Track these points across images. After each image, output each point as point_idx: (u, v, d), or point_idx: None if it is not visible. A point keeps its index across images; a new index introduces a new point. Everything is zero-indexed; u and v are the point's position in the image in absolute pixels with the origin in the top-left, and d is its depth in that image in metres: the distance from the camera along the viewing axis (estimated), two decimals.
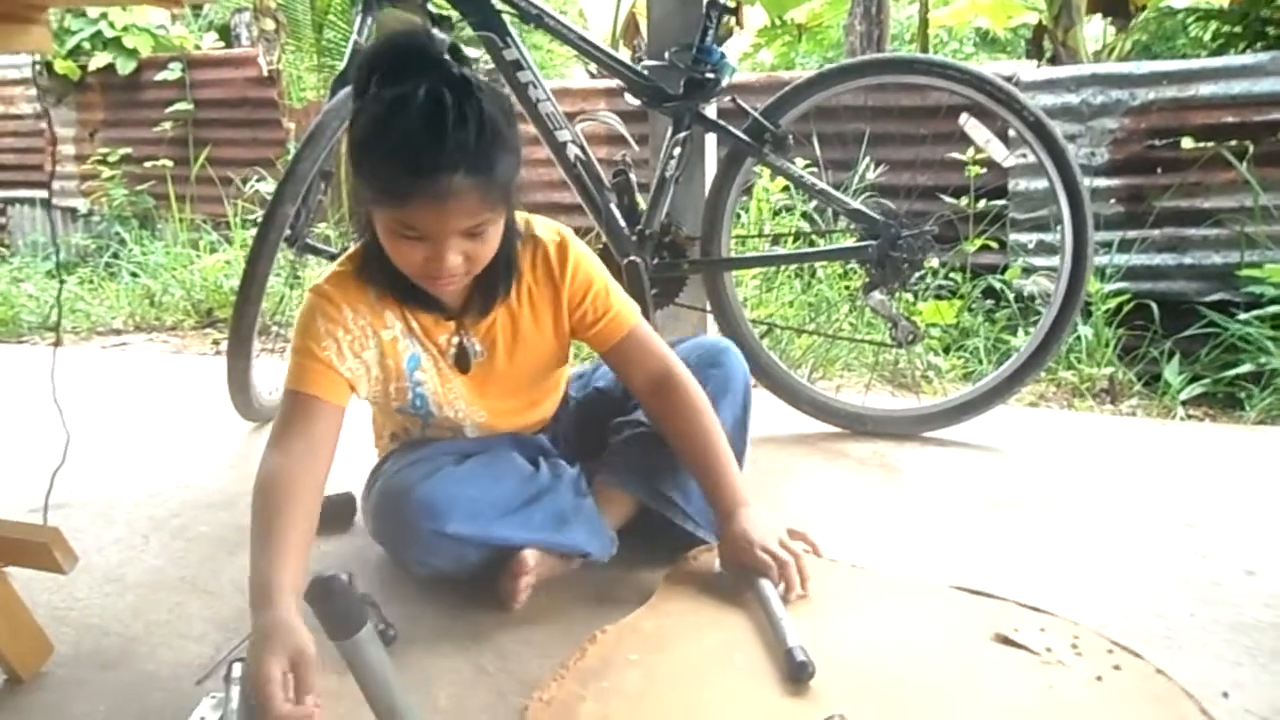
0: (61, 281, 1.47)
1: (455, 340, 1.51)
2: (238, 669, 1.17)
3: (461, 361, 1.52)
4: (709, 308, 2.42)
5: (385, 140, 1.22)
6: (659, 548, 1.61)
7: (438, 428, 1.60)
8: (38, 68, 5.75)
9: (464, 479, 1.46)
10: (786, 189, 3.82)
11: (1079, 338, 3.16)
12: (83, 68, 5.71)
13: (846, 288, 3.59)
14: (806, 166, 3.13)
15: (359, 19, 2.32)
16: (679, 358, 1.58)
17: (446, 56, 1.26)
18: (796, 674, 1.20)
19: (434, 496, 1.42)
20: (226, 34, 7.71)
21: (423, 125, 1.20)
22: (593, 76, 6.46)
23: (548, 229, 1.54)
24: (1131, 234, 3.54)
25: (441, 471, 1.46)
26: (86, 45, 5.64)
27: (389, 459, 1.61)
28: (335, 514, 1.83)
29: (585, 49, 2.27)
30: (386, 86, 1.24)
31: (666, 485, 1.60)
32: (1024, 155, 3.51)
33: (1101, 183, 3.61)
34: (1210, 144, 3.45)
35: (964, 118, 2.36)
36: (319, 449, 1.35)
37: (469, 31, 2.28)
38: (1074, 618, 1.37)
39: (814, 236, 3.52)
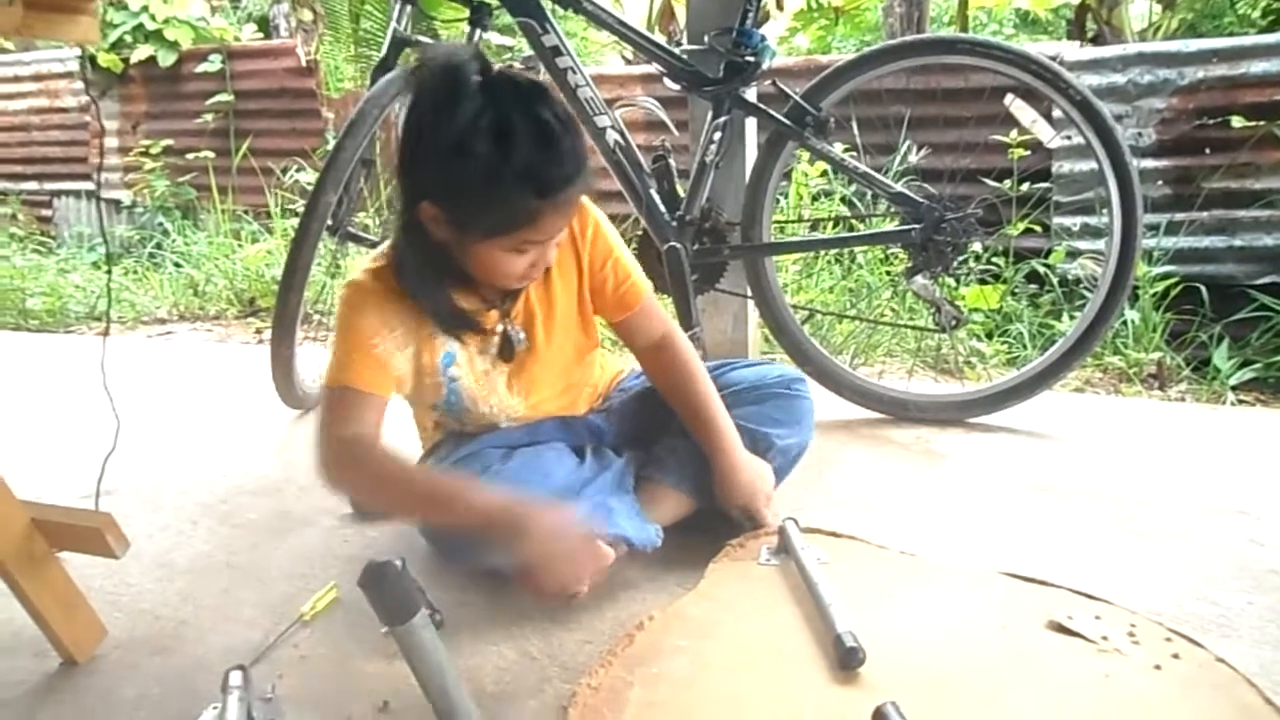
0: (109, 272, 1.49)
1: (499, 329, 1.53)
2: (235, 677, 1.18)
3: (505, 351, 1.54)
4: (750, 293, 2.40)
5: (508, 172, 1.25)
6: (704, 534, 1.60)
7: (474, 423, 1.60)
8: (82, 61, 5.83)
9: (510, 476, 1.46)
10: (825, 173, 3.79)
11: (1126, 322, 3.11)
12: (125, 61, 5.77)
13: (888, 273, 3.55)
14: (846, 150, 3.10)
15: (397, 8, 2.32)
16: (753, 379, 1.71)
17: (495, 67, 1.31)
18: (846, 660, 1.19)
19: None
20: (265, 25, 7.77)
21: (540, 149, 1.26)
22: (629, 62, 6.45)
23: None
24: (1180, 216, 3.46)
25: (488, 469, 1.47)
26: (128, 38, 5.70)
27: (436, 450, 1.62)
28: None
29: (624, 33, 2.26)
30: (465, 114, 1.24)
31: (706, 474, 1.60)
32: (1069, 137, 3.46)
33: (1149, 164, 3.54)
34: (1261, 123, 3.36)
35: (1009, 98, 2.31)
36: (375, 431, 1.41)
37: (508, 18, 2.27)
38: (1128, 606, 1.35)
39: (854, 221, 3.48)
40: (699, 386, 1.61)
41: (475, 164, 1.25)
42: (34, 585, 1.29)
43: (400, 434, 1.59)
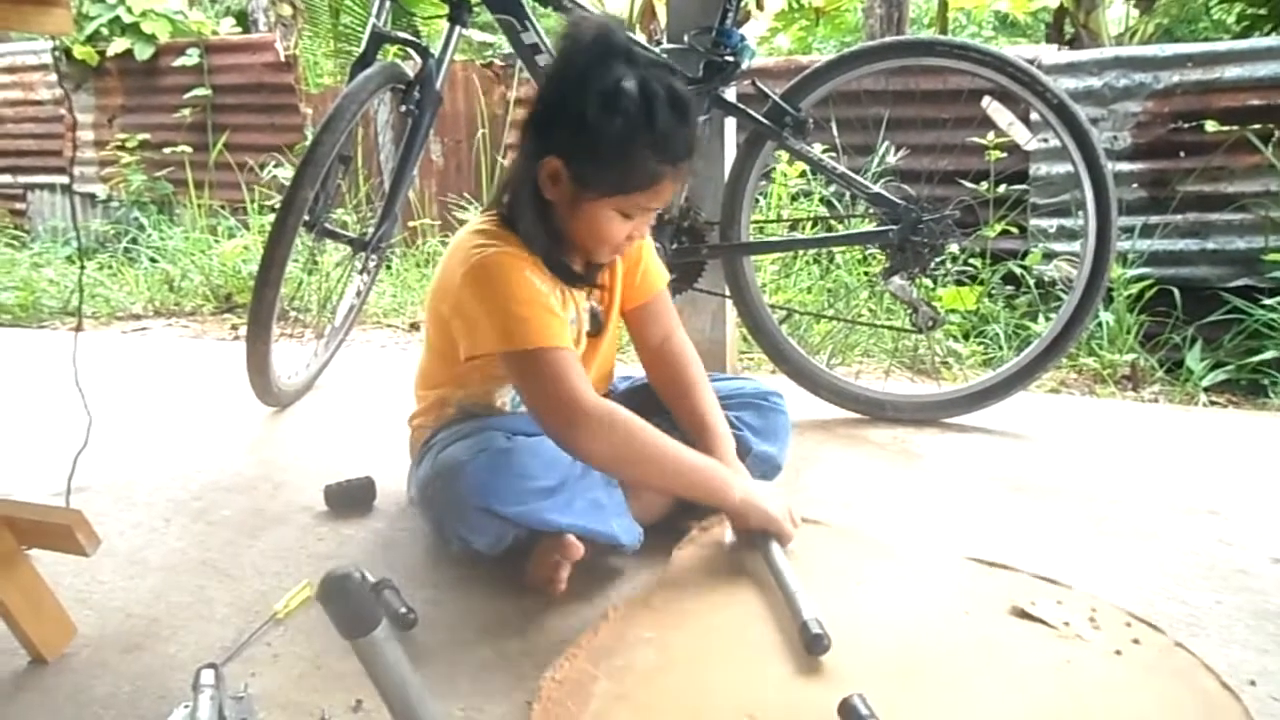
0: (82, 267, 1.48)
1: (587, 306, 1.62)
2: (206, 675, 1.17)
3: (595, 326, 1.63)
4: (728, 293, 2.41)
5: (646, 134, 1.35)
6: (683, 531, 1.61)
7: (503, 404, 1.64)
8: (57, 54, 5.76)
9: (512, 460, 1.46)
10: (804, 174, 3.80)
11: (1100, 324, 3.13)
12: (101, 53, 5.72)
13: (865, 273, 3.57)
14: (825, 151, 3.10)
15: (376, 4, 2.32)
16: (729, 389, 1.74)
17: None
18: (812, 647, 1.20)
19: (483, 474, 1.43)
20: (244, 19, 7.71)
21: (675, 119, 1.36)
22: None
23: None
24: (1154, 219, 3.50)
25: (491, 450, 1.47)
26: (105, 31, 5.64)
27: (440, 433, 1.61)
28: (355, 498, 1.84)
29: None
30: (614, 75, 1.34)
31: None
32: (1045, 139, 3.48)
33: (1124, 167, 3.57)
34: (1235, 127, 3.40)
35: (986, 101, 2.33)
36: (610, 405, 1.43)
37: (488, 16, 2.27)
38: (1088, 590, 1.36)
39: (833, 222, 3.49)
40: (704, 394, 1.63)
41: (619, 121, 1.34)
42: (2, 583, 1.28)
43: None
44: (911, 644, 1.24)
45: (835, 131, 3.49)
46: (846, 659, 1.19)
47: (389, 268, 4.43)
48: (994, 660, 1.20)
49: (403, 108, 2.30)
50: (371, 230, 2.44)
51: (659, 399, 1.71)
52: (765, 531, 1.45)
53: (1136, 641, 1.22)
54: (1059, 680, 1.15)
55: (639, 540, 1.53)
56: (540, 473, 1.46)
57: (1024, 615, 1.29)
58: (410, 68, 2.34)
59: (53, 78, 5.98)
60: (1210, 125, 3.45)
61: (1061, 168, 3.59)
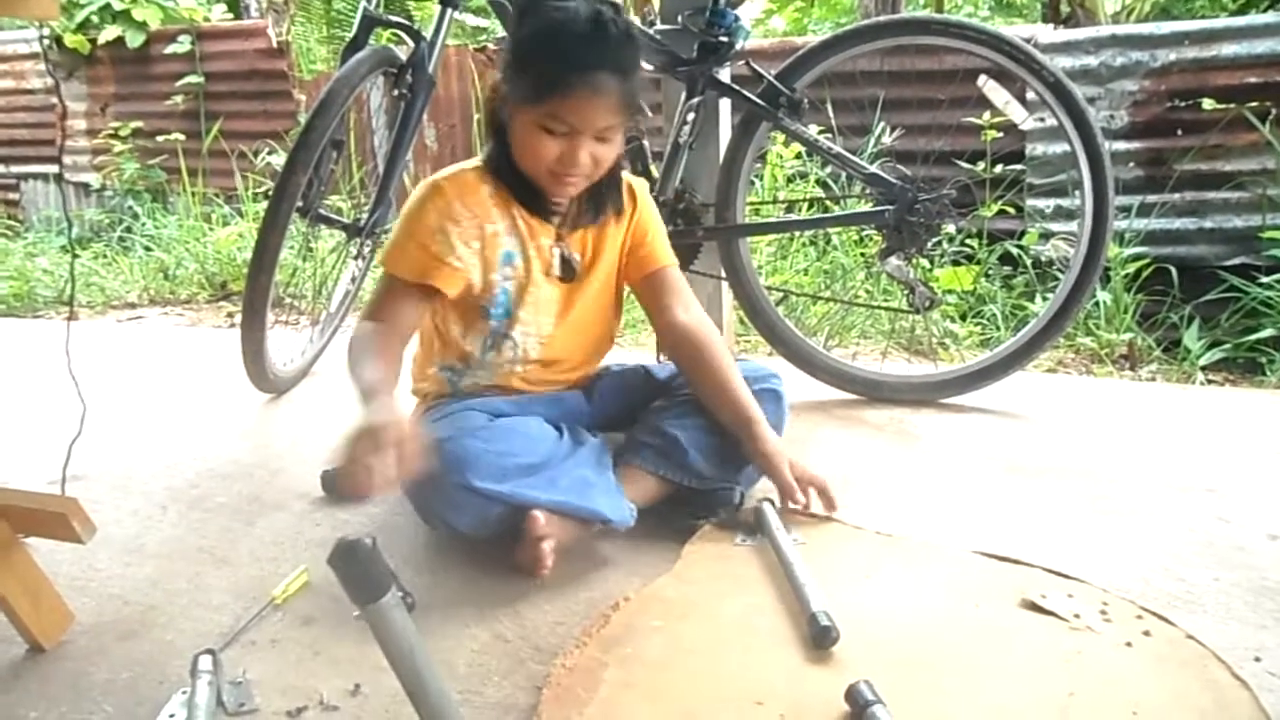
0: (75, 255, 1.47)
1: (556, 249, 1.63)
2: (204, 661, 1.17)
3: (566, 271, 1.65)
4: (724, 275, 2.40)
5: (555, 43, 1.43)
6: (679, 516, 1.61)
7: (503, 348, 1.64)
8: (48, 42, 5.73)
9: (492, 437, 1.48)
10: (800, 155, 3.79)
11: (1098, 303, 3.13)
12: (92, 41, 5.68)
13: (862, 254, 3.56)
14: (821, 132, 3.09)
15: None
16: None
17: None
18: (820, 639, 1.19)
19: (462, 451, 1.44)
20: (235, 5, 7.65)
21: (588, 31, 1.43)
22: None
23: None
24: (1151, 198, 3.49)
25: (470, 428, 1.49)
26: (95, 19, 5.61)
27: (428, 411, 1.63)
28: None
29: None
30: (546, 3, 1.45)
31: (692, 457, 1.60)
32: (1041, 119, 3.47)
33: (1121, 146, 3.56)
34: (1232, 105, 3.39)
35: (982, 79, 2.32)
36: (402, 325, 1.55)
37: (481, 0, 2.25)
38: (1099, 583, 1.36)
39: (829, 203, 3.48)
40: (726, 361, 1.65)
41: (533, 29, 1.46)
42: None
43: None
44: (920, 636, 1.24)
45: (831, 112, 3.48)
46: (855, 651, 1.19)
47: None
48: (1003, 652, 1.20)
49: (395, 92, 2.28)
50: (366, 216, 2.42)
51: (644, 388, 1.75)
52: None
53: (1147, 633, 1.22)
54: (1069, 671, 1.15)
55: (630, 518, 1.53)
56: (521, 450, 1.48)
57: (1035, 608, 1.28)
58: (403, 51, 2.32)
59: (44, 66, 5.94)
60: (1207, 103, 3.44)
61: (1058, 147, 3.58)
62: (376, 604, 0.90)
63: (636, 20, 2.26)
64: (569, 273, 1.65)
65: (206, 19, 6.07)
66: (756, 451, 1.57)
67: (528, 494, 1.45)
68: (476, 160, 1.63)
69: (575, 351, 1.72)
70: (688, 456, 1.60)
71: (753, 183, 3.56)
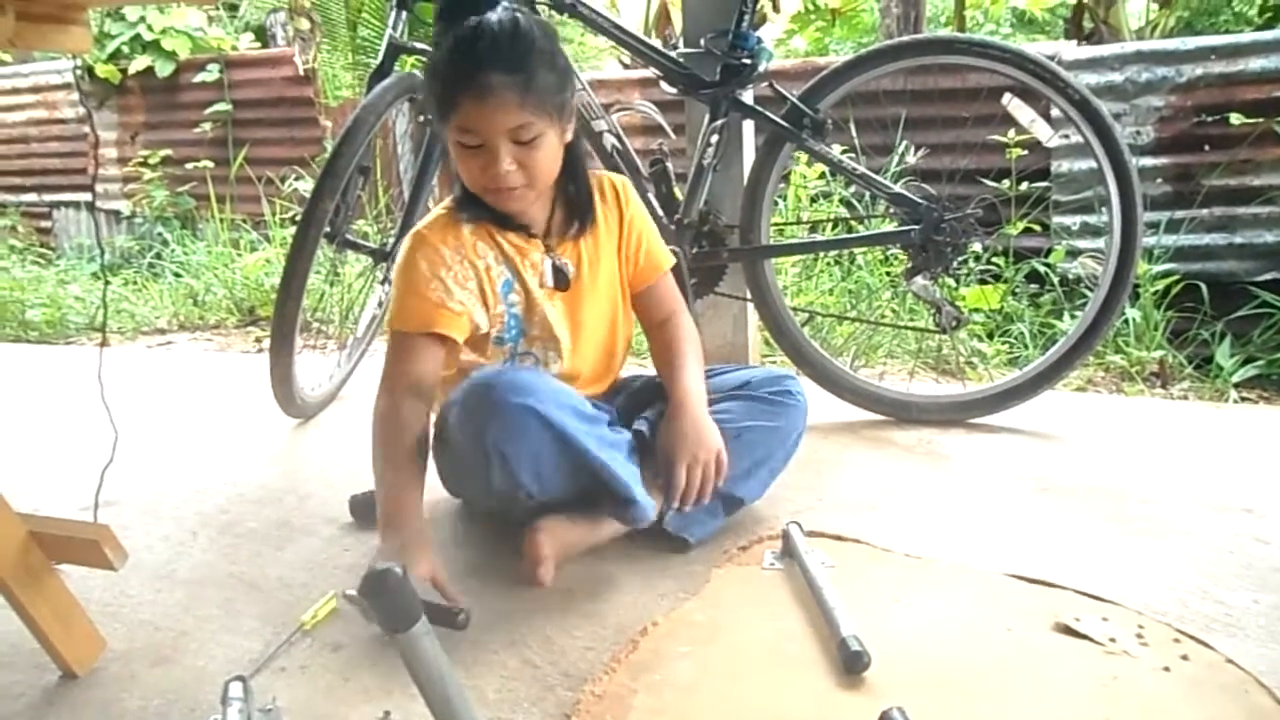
0: (106, 283, 1.49)
1: (546, 261, 1.62)
2: (234, 688, 1.17)
3: (560, 280, 1.63)
4: (749, 296, 2.40)
5: (441, 61, 1.44)
6: (705, 541, 1.60)
7: (525, 365, 1.65)
8: (79, 72, 5.83)
9: (548, 379, 1.53)
10: (823, 175, 3.78)
11: (1127, 321, 3.10)
12: (123, 71, 5.77)
13: (887, 274, 3.54)
14: (844, 152, 3.09)
15: (393, 14, 2.32)
16: (745, 376, 1.77)
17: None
18: (851, 664, 1.18)
19: (522, 380, 1.47)
20: (262, 34, 7.77)
21: (467, 38, 1.42)
22: (626, 67, 6.45)
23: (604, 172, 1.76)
24: (1179, 214, 3.45)
25: (527, 369, 1.56)
26: (126, 49, 5.70)
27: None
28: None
29: (620, 37, 2.26)
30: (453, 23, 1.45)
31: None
32: (1067, 136, 3.45)
33: (1148, 162, 3.53)
34: (1260, 120, 3.36)
35: (1007, 98, 2.30)
36: (423, 382, 1.53)
37: None
38: (1133, 606, 1.34)
39: (853, 222, 3.47)
40: (684, 350, 1.69)
41: (430, 59, 1.49)
42: (32, 598, 1.28)
43: None
44: (953, 660, 1.22)
45: (854, 132, 3.48)
46: (886, 676, 1.18)
47: None
48: (1037, 676, 1.18)
49: (421, 118, 2.31)
50: (392, 240, 2.44)
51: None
52: None
53: (1185, 658, 1.20)
54: (1105, 697, 1.13)
55: (649, 515, 1.54)
56: (574, 400, 1.52)
57: (1069, 631, 1.26)
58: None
59: (76, 96, 6.05)
60: (1235, 118, 3.40)
61: (1084, 164, 3.56)
62: (408, 632, 0.90)
63: (658, 42, 2.27)
64: (562, 281, 1.63)
65: (234, 48, 6.15)
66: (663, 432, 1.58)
67: (579, 436, 1.46)
68: (446, 204, 1.62)
69: (594, 360, 1.72)
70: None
71: (776, 203, 3.56)
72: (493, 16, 1.44)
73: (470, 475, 1.54)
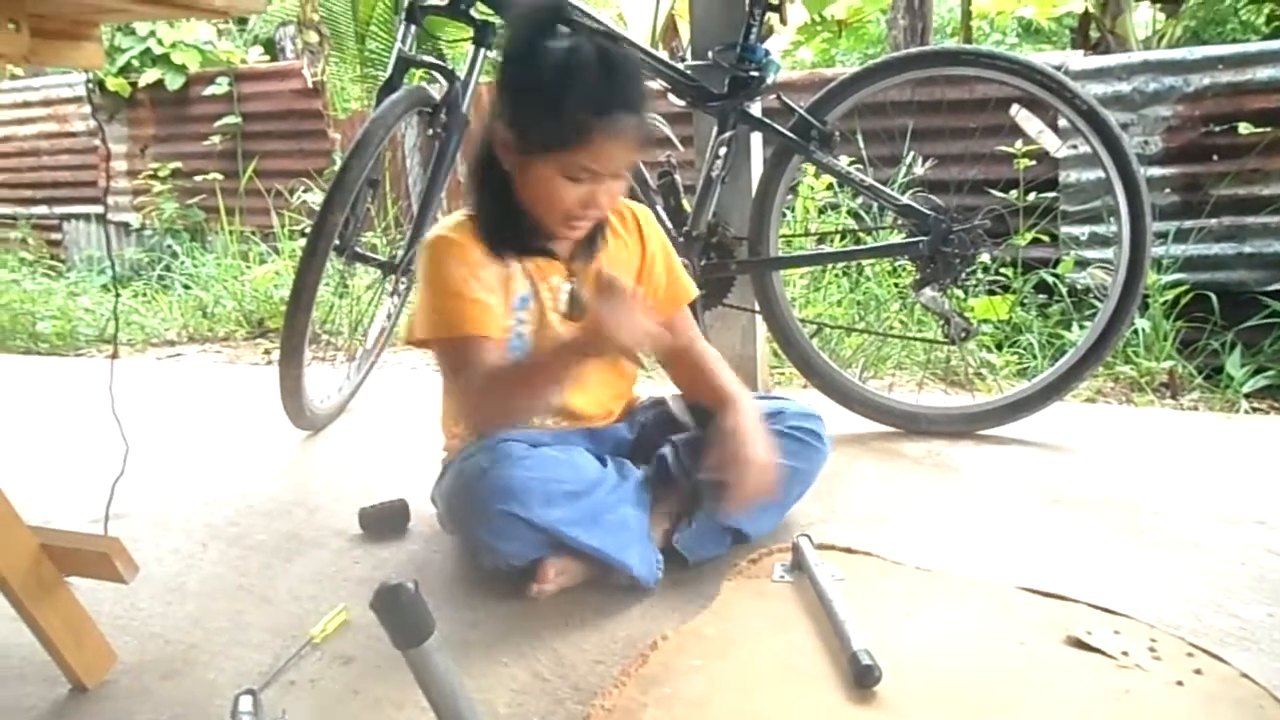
0: (117, 295, 1.50)
1: (566, 287, 1.59)
2: (244, 702, 1.17)
3: (574, 308, 1.59)
4: (758, 308, 2.40)
5: (569, 89, 1.37)
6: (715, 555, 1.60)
7: None
8: (90, 86, 5.87)
9: (538, 465, 1.46)
10: (831, 187, 3.78)
11: (1136, 331, 3.10)
12: (133, 84, 5.82)
13: (895, 285, 3.54)
14: (852, 163, 3.09)
15: (402, 28, 2.33)
16: (778, 406, 1.69)
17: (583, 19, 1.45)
18: (863, 678, 1.17)
19: (507, 480, 1.43)
20: (271, 47, 7.81)
21: (601, 71, 1.37)
22: None
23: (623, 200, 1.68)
24: (1188, 223, 3.45)
25: (515, 457, 1.46)
26: (136, 63, 5.74)
27: (464, 449, 1.60)
28: (390, 520, 1.84)
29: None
30: (542, 43, 1.39)
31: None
32: (1075, 146, 3.45)
33: (1156, 172, 3.53)
34: (1269, 129, 3.35)
35: (1015, 108, 2.31)
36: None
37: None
38: (1146, 619, 1.33)
39: (861, 234, 3.48)
40: (720, 365, 1.65)
41: (547, 76, 1.38)
42: (43, 611, 1.29)
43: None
44: (964, 674, 1.21)
45: (861, 143, 3.48)
46: (898, 690, 1.17)
47: None
48: (1049, 690, 1.17)
49: (430, 131, 2.31)
50: (401, 253, 2.45)
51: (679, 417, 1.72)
52: (625, 352, 1.42)
53: (1199, 672, 1.19)
54: (1117, 711, 1.12)
55: (656, 575, 1.53)
56: (567, 477, 1.47)
57: (1081, 645, 1.25)
58: (436, 91, 2.35)
59: (86, 109, 6.09)
60: (1243, 127, 3.40)
61: (1092, 174, 3.56)
62: (420, 648, 0.90)
63: (665, 54, 2.28)
64: (578, 309, 1.59)
65: (244, 61, 6.19)
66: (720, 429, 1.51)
67: (570, 532, 1.45)
68: (462, 214, 1.58)
69: (600, 394, 1.68)
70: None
71: (784, 215, 3.56)
72: (611, 49, 1.40)
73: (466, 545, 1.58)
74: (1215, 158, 3.50)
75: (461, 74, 2.30)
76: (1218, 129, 3.47)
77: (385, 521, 1.84)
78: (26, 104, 6.35)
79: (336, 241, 2.21)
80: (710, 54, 2.25)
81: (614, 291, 1.34)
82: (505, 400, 1.46)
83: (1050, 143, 2.39)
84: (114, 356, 1.98)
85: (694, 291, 1.75)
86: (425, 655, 0.90)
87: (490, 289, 1.51)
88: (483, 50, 2.30)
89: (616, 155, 1.44)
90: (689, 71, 2.25)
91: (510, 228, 1.52)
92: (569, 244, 1.58)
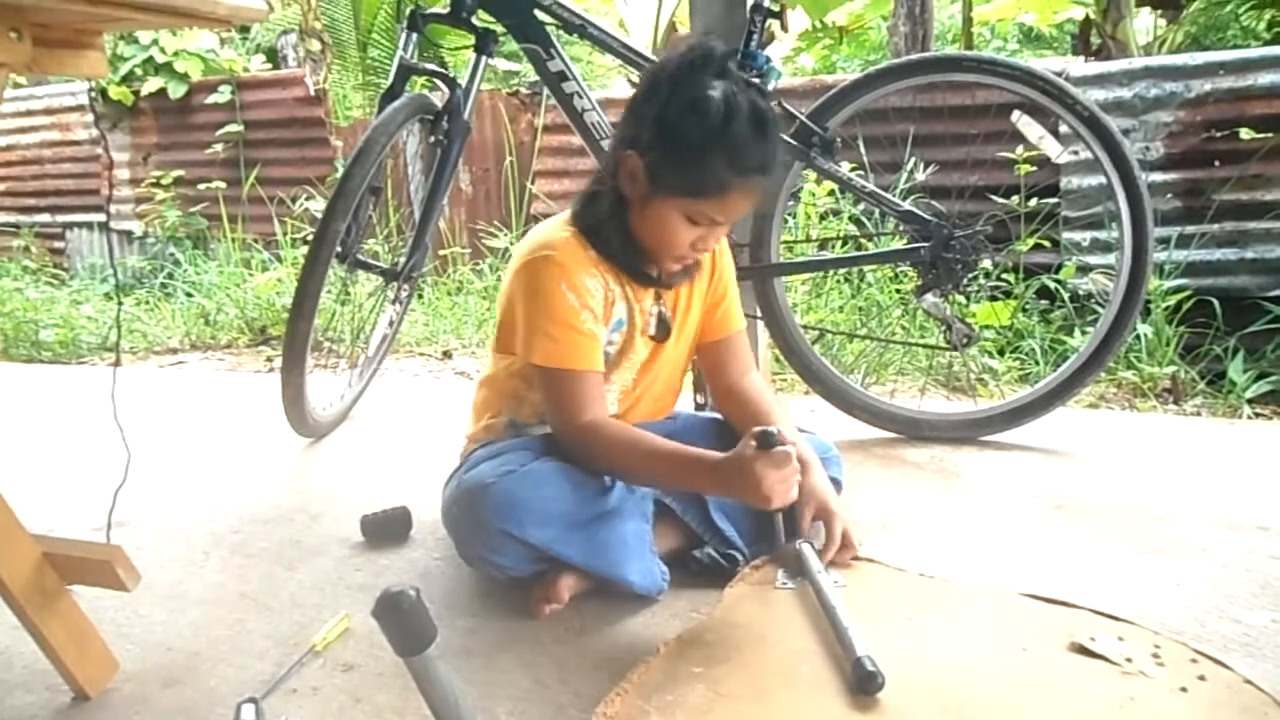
0: (120, 303, 1.50)
1: (655, 310, 1.61)
2: (246, 711, 1.17)
3: (661, 330, 1.62)
4: (759, 314, 2.40)
5: (719, 146, 1.38)
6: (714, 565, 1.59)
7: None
8: (93, 94, 5.88)
9: (540, 481, 1.45)
10: (832, 193, 3.79)
11: (1139, 336, 3.09)
12: (136, 93, 5.83)
13: (897, 291, 3.54)
14: (853, 169, 3.09)
15: (404, 36, 2.33)
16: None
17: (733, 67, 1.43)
18: (865, 685, 1.17)
19: (508, 497, 1.42)
20: (274, 56, 7.82)
21: (754, 133, 1.39)
22: (634, 85, 6.46)
23: None
24: (1190, 229, 3.45)
25: (520, 471, 1.46)
26: (139, 71, 5.75)
27: (475, 451, 1.61)
28: (392, 528, 1.83)
29: (628, 57, 2.26)
30: (703, 93, 1.38)
31: (721, 519, 1.59)
32: (1075, 152, 3.45)
33: (1157, 177, 3.53)
34: (1270, 135, 3.35)
35: (1016, 115, 2.32)
36: (604, 418, 1.51)
37: (513, 45, 2.28)
38: (1150, 625, 1.33)
39: (863, 240, 3.47)
40: (776, 405, 1.64)
41: (697, 125, 1.37)
42: (46, 619, 1.29)
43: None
44: (967, 681, 1.21)
45: (863, 150, 3.49)
46: (900, 697, 1.16)
47: (421, 297, 4.46)
48: (1053, 697, 1.17)
49: (431, 138, 2.31)
50: (403, 260, 2.45)
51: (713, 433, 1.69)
52: (750, 495, 1.38)
53: (1203, 678, 1.18)
54: (1121, 718, 1.12)
55: (661, 586, 1.53)
56: (568, 497, 1.46)
57: (1084, 651, 1.25)
58: (438, 98, 2.36)
59: (89, 118, 6.10)
60: (1245, 133, 3.40)
61: (1093, 180, 3.56)
62: (421, 655, 0.89)
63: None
64: (664, 332, 1.62)
65: (246, 69, 6.20)
66: (808, 498, 1.49)
67: (565, 551, 1.45)
68: (561, 222, 1.57)
69: (647, 405, 1.69)
70: (708, 507, 1.59)
71: (786, 221, 3.56)
72: (765, 109, 1.41)
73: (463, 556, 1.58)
74: (1217, 163, 3.50)
75: (463, 81, 2.30)
76: (1219, 134, 3.47)
77: (387, 529, 1.84)
78: (29, 112, 6.37)
79: (338, 249, 2.20)
80: None
81: (779, 456, 1.34)
82: (618, 463, 1.48)
83: (1052, 148, 2.39)
84: (116, 364, 1.98)
85: (743, 322, 1.74)
86: (427, 662, 0.90)
87: (595, 317, 1.51)
88: (484, 58, 2.30)
89: (742, 208, 1.49)
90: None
91: (625, 252, 1.52)
92: (666, 272, 1.58)
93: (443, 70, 2.41)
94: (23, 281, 5.53)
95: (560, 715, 1.24)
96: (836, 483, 1.67)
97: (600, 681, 1.30)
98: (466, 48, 2.33)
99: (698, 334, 1.71)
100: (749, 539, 1.59)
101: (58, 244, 6.37)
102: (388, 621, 0.88)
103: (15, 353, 4.31)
